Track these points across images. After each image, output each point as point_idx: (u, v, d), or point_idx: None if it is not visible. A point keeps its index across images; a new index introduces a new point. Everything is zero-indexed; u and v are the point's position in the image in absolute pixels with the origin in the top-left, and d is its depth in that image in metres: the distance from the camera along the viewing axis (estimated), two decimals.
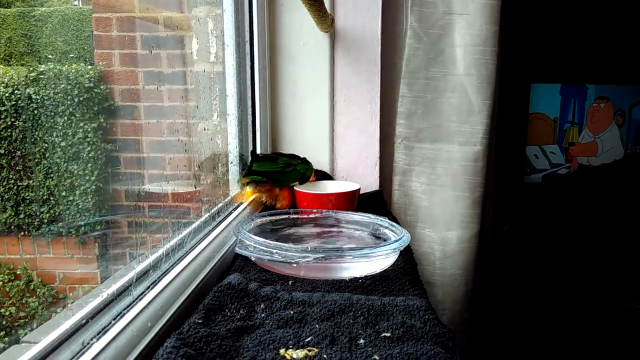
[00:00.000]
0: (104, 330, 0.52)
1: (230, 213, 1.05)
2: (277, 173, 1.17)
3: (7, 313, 1.76)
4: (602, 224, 2.22)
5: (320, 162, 1.39)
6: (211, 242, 0.85)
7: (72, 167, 1.83)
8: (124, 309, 0.57)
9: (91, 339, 0.50)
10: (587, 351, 2.04)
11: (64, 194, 1.85)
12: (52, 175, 1.86)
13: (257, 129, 1.30)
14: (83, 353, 0.48)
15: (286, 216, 1.02)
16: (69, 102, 1.81)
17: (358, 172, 1.37)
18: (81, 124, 1.81)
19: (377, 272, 0.79)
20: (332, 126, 1.39)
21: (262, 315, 0.64)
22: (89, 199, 1.84)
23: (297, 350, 0.54)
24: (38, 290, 1.88)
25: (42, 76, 1.79)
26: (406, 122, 1.39)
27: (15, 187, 1.88)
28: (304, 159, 1.27)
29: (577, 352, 2.05)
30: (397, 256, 0.82)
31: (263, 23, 1.29)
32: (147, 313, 0.57)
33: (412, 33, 1.34)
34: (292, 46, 1.35)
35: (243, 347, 0.56)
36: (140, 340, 0.54)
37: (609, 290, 2.21)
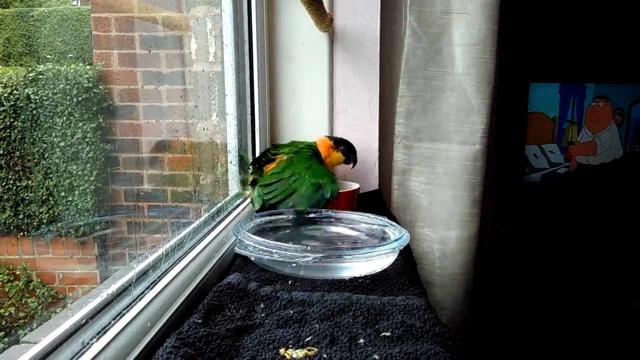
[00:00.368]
0: (103, 331, 0.52)
1: (230, 213, 1.05)
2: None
3: (6, 313, 1.76)
4: (601, 223, 2.23)
5: None
6: (211, 242, 0.85)
7: (71, 167, 1.83)
8: (124, 309, 0.57)
9: (91, 339, 0.50)
10: (586, 350, 2.04)
11: (63, 194, 1.85)
12: (51, 175, 1.86)
13: (256, 129, 1.30)
14: (83, 353, 0.48)
15: (285, 216, 1.02)
16: (67, 102, 1.80)
17: (357, 172, 1.37)
18: (80, 124, 1.81)
19: (377, 271, 0.79)
20: (332, 126, 1.39)
21: (262, 315, 0.64)
22: (88, 199, 1.84)
23: (297, 350, 0.54)
24: (37, 290, 1.88)
25: (40, 76, 1.78)
26: (405, 122, 1.39)
27: (14, 188, 1.87)
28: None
29: (576, 351, 2.05)
30: (396, 256, 0.82)
31: (262, 23, 1.29)
32: (146, 313, 0.57)
33: (411, 32, 1.34)
34: (291, 46, 1.35)
35: (243, 346, 0.56)
36: (140, 340, 0.54)
37: (608, 289, 2.22)
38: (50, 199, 1.89)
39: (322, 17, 1.15)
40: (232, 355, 0.54)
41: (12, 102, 1.79)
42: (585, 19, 2.13)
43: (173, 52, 1.53)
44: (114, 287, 0.59)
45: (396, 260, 0.83)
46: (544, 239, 2.24)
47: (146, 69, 1.69)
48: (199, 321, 0.59)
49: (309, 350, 0.55)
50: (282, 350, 0.54)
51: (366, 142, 1.40)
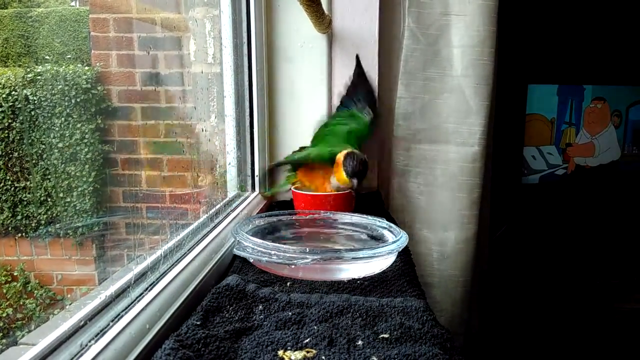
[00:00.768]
0: (102, 332, 0.52)
1: (229, 214, 1.05)
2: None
3: (4, 315, 1.76)
4: (599, 225, 2.23)
5: None
6: (209, 243, 0.85)
7: (70, 169, 1.83)
8: (122, 311, 0.57)
9: (89, 341, 0.50)
10: (583, 351, 2.04)
11: (61, 195, 1.85)
12: (49, 176, 1.86)
13: (254, 130, 1.30)
14: (81, 355, 0.48)
15: (284, 217, 1.02)
16: (66, 103, 1.80)
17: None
18: (78, 125, 1.81)
19: (375, 273, 0.79)
20: None
21: (261, 316, 0.64)
22: (87, 200, 1.84)
23: (296, 352, 0.54)
24: (35, 291, 1.88)
25: (39, 77, 1.78)
26: (404, 123, 1.39)
27: (13, 189, 1.87)
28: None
29: (574, 352, 2.05)
30: (395, 257, 0.82)
31: (260, 24, 1.29)
32: (145, 315, 0.57)
33: (410, 34, 1.34)
34: (290, 47, 1.35)
35: (241, 348, 0.56)
36: (139, 342, 0.54)
37: (606, 291, 2.22)
38: (49, 200, 1.89)
39: (321, 18, 1.15)
40: (231, 357, 0.54)
41: (11, 103, 1.79)
42: (583, 21, 2.14)
43: (172, 53, 1.53)
44: (112, 289, 0.59)
45: (395, 261, 0.83)
46: (543, 240, 2.24)
47: (145, 70, 1.69)
48: (198, 323, 0.59)
49: (308, 352, 0.55)
50: (280, 352, 0.54)
51: (364, 144, 1.40)
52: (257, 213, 1.18)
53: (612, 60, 2.19)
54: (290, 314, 0.63)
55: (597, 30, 2.15)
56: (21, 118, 1.80)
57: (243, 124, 1.28)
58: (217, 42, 1.23)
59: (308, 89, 1.37)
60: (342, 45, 1.37)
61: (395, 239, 0.82)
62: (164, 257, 0.72)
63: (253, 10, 1.25)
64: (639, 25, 2.14)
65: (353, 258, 0.76)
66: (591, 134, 2.29)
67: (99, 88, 1.79)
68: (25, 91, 1.76)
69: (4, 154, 1.84)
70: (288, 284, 0.76)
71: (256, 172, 1.31)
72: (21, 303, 1.84)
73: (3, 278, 1.88)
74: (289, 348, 0.55)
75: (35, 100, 1.77)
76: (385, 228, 0.93)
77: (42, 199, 1.89)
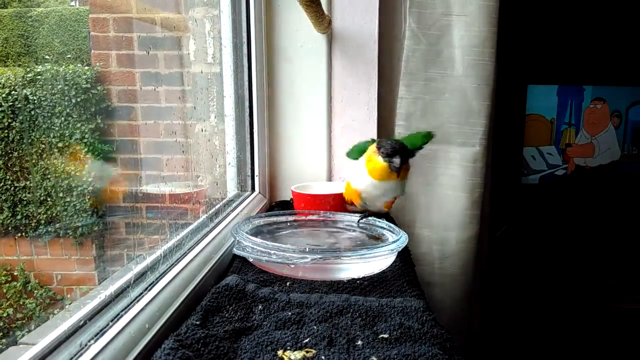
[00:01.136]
0: (101, 332, 0.52)
1: (228, 214, 1.05)
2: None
3: (4, 314, 1.76)
4: (599, 225, 2.23)
5: (317, 162, 1.39)
6: (209, 243, 0.85)
7: (70, 168, 1.83)
8: (122, 311, 0.57)
9: (89, 341, 0.50)
10: (583, 351, 2.04)
11: (61, 195, 1.85)
12: (49, 176, 1.85)
13: (254, 130, 1.30)
14: (81, 355, 0.48)
15: (284, 217, 1.02)
16: (66, 103, 1.80)
17: None
18: (78, 125, 1.81)
19: (375, 273, 0.80)
20: (330, 127, 1.39)
21: (260, 316, 0.64)
22: (86, 200, 1.84)
23: (295, 352, 0.54)
24: (35, 291, 1.88)
25: (39, 77, 1.78)
26: (405, 124, 1.39)
27: (12, 188, 1.87)
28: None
29: (574, 352, 2.05)
30: (394, 257, 0.82)
31: (260, 24, 1.29)
32: (144, 315, 0.57)
33: (411, 34, 1.34)
34: (290, 47, 1.35)
35: (241, 348, 0.56)
36: (138, 341, 0.54)
37: (605, 291, 2.22)
38: (48, 199, 1.88)
39: (321, 18, 1.15)
40: (230, 356, 0.54)
41: (11, 103, 1.79)
42: (583, 21, 2.14)
43: (171, 53, 1.53)
44: (112, 289, 0.59)
45: (394, 261, 0.83)
46: (542, 240, 2.25)
47: (144, 69, 1.69)
48: (197, 323, 0.59)
49: (307, 351, 0.55)
50: (280, 352, 0.54)
51: None
52: (257, 213, 1.18)
53: (611, 60, 2.19)
54: (289, 313, 0.63)
55: (596, 31, 2.15)
56: (21, 118, 1.80)
57: (243, 124, 1.28)
58: (216, 42, 1.23)
59: (308, 89, 1.37)
60: (341, 46, 1.37)
61: (395, 239, 0.82)
62: (163, 256, 0.72)
63: (253, 10, 1.25)
64: (638, 25, 2.14)
65: (353, 258, 0.76)
66: (591, 134, 2.29)
67: (98, 88, 1.79)
68: (25, 91, 1.76)
69: (3, 153, 1.84)
70: (288, 283, 0.76)
71: (256, 172, 1.31)
72: (21, 303, 1.84)
73: (3, 278, 1.88)
74: (288, 348, 0.55)
75: (35, 99, 1.77)
76: (385, 228, 0.93)
77: (41, 198, 1.89)
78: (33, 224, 1.91)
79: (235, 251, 0.80)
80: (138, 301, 0.60)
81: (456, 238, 1.40)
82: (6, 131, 1.81)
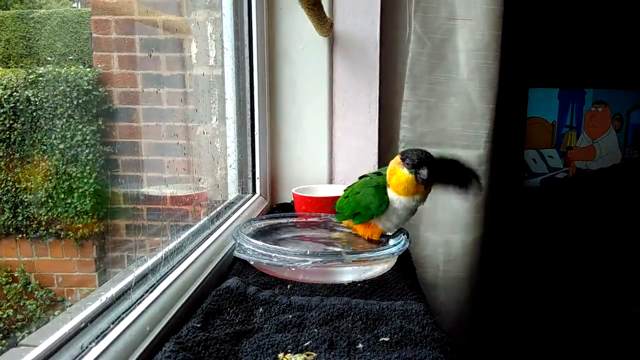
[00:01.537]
0: (102, 334, 0.52)
1: (229, 217, 1.05)
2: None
3: (4, 316, 1.76)
4: (601, 228, 2.23)
5: (318, 165, 1.39)
6: (210, 245, 0.85)
7: (71, 170, 1.83)
8: (123, 313, 0.57)
9: (90, 343, 0.50)
10: (589, 355, 2.04)
11: (62, 196, 1.85)
12: (50, 177, 1.86)
13: (255, 133, 1.30)
14: (82, 357, 0.48)
15: (285, 220, 1.02)
16: (67, 105, 1.81)
17: (356, 176, 1.37)
18: (80, 126, 1.81)
19: (376, 276, 0.79)
20: (331, 130, 1.39)
21: (261, 319, 0.64)
22: (87, 202, 1.84)
23: (296, 355, 0.54)
24: (36, 292, 1.88)
25: (40, 78, 1.79)
26: (410, 127, 1.39)
27: (14, 190, 1.87)
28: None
29: (579, 355, 2.05)
30: (395, 260, 0.82)
31: (262, 27, 1.29)
32: (145, 317, 0.57)
33: (416, 38, 1.35)
34: (291, 50, 1.35)
35: (241, 351, 0.56)
36: (139, 344, 0.54)
37: (608, 294, 2.22)
38: (50, 201, 1.89)
39: (322, 21, 1.15)
40: (231, 359, 0.54)
41: (12, 104, 1.79)
42: (584, 24, 2.14)
43: (173, 55, 1.53)
44: (113, 291, 0.59)
45: (395, 265, 0.83)
46: (544, 243, 2.24)
47: (146, 71, 1.69)
48: (198, 325, 0.59)
49: (308, 355, 0.55)
50: (280, 355, 0.54)
51: (365, 146, 1.40)
52: (258, 215, 1.18)
53: (613, 64, 2.19)
54: (290, 316, 0.63)
55: (598, 34, 2.15)
56: (23, 119, 1.81)
57: (244, 126, 1.28)
58: (218, 45, 1.24)
59: (309, 91, 1.37)
60: (343, 49, 1.37)
61: (396, 242, 0.82)
62: (164, 259, 0.72)
63: (255, 13, 1.25)
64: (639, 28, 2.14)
65: (354, 261, 0.76)
66: (592, 137, 2.29)
67: (100, 89, 1.79)
68: (26, 92, 1.76)
69: (5, 155, 1.84)
70: (288, 286, 0.76)
71: (257, 175, 1.32)
72: (21, 304, 1.84)
73: (4, 279, 1.88)
74: (289, 351, 0.55)
75: (36, 101, 1.78)
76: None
77: (43, 200, 1.89)
78: (34, 225, 1.92)
79: (236, 254, 0.80)
80: (139, 303, 0.60)
81: (461, 241, 1.40)
82: (8, 132, 1.82)
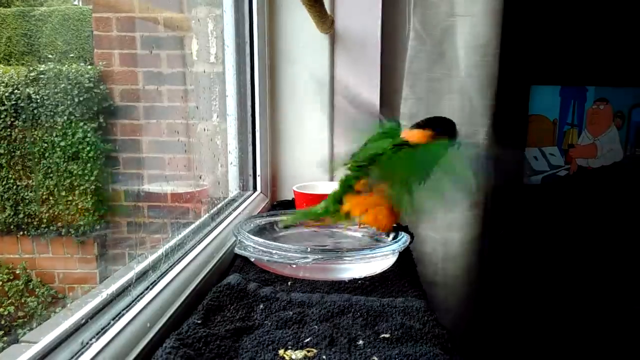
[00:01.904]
0: (103, 331, 0.52)
1: (230, 214, 1.05)
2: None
3: (5, 312, 1.76)
4: (602, 226, 2.23)
5: (319, 162, 1.39)
6: (210, 242, 0.85)
7: (72, 167, 1.83)
8: (123, 309, 0.57)
9: (90, 339, 0.50)
10: (589, 353, 2.04)
11: (63, 193, 1.85)
12: (51, 175, 1.86)
13: (256, 130, 1.30)
14: (82, 353, 0.48)
15: (285, 217, 1.02)
16: (68, 102, 1.81)
17: None
18: (81, 124, 1.81)
19: (377, 273, 0.79)
20: (332, 127, 1.39)
21: (261, 315, 0.64)
22: (88, 199, 1.84)
23: (296, 351, 0.54)
24: (37, 289, 1.88)
25: (42, 76, 1.79)
26: (409, 124, 1.38)
27: (15, 187, 1.88)
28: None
29: (579, 354, 2.05)
30: (396, 257, 0.82)
31: (263, 24, 1.29)
32: (146, 313, 0.57)
33: (415, 35, 1.34)
34: (292, 47, 1.35)
35: (242, 347, 0.56)
36: (140, 340, 0.54)
37: (611, 293, 2.22)
38: (51, 198, 1.89)
39: (324, 18, 1.15)
40: (232, 356, 0.54)
41: (14, 102, 1.79)
42: (586, 22, 2.13)
43: (174, 52, 1.53)
44: (113, 287, 0.59)
45: (396, 262, 0.83)
46: (545, 241, 2.24)
47: (147, 69, 1.69)
48: (199, 322, 0.59)
49: (308, 351, 0.55)
50: (281, 351, 0.54)
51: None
52: (259, 213, 1.18)
53: (615, 61, 2.18)
54: (291, 313, 0.63)
55: (600, 31, 2.14)
56: (24, 116, 1.81)
57: (245, 123, 1.28)
58: (219, 42, 1.23)
59: (310, 89, 1.37)
60: (344, 46, 1.37)
61: (397, 239, 0.82)
62: (165, 255, 0.72)
63: (256, 9, 1.25)
64: None
65: (354, 258, 0.76)
66: (593, 135, 2.28)
67: (101, 87, 1.79)
68: (28, 90, 1.76)
69: (6, 152, 1.84)
70: (289, 283, 0.76)
71: (257, 172, 1.31)
72: (23, 301, 1.84)
73: (5, 276, 1.88)
74: (289, 347, 0.55)
75: (37, 98, 1.78)
76: None
77: (44, 197, 1.89)
78: (35, 223, 1.92)
79: (237, 251, 0.80)
80: (139, 300, 0.60)
81: (460, 239, 1.40)
82: (9, 130, 1.82)
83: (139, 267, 0.65)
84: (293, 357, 0.53)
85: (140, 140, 1.73)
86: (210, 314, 0.63)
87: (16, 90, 1.78)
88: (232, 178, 1.25)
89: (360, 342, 0.57)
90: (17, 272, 1.90)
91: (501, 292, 2.05)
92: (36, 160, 1.85)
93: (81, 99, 1.78)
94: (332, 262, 0.76)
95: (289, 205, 1.31)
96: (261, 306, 0.66)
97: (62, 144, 1.80)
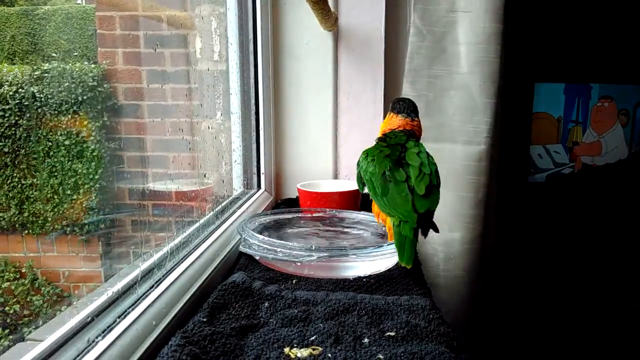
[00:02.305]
0: (109, 329, 0.52)
1: (235, 212, 1.05)
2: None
3: (11, 311, 1.77)
4: (607, 224, 2.22)
5: (323, 160, 1.39)
6: (215, 240, 0.85)
7: (76, 166, 1.84)
8: (129, 307, 0.57)
9: (96, 337, 0.50)
10: (592, 351, 2.03)
11: (68, 192, 1.86)
12: (56, 173, 1.86)
13: (260, 128, 1.30)
14: (88, 351, 0.48)
15: (290, 215, 1.02)
16: (72, 101, 1.81)
17: None
18: (85, 123, 1.82)
19: (381, 271, 0.79)
20: (336, 125, 1.39)
21: (266, 313, 0.64)
22: (93, 198, 1.85)
23: (302, 349, 0.54)
24: (43, 288, 1.89)
25: (46, 75, 1.79)
26: None
27: (19, 186, 1.88)
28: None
29: (582, 353, 2.05)
30: None
31: (267, 21, 1.29)
32: (151, 311, 0.58)
33: (415, 31, 1.33)
34: (296, 44, 1.35)
35: (247, 345, 0.56)
36: (145, 338, 0.54)
37: (613, 290, 2.21)
38: (55, 197, 1.89)
39: (327, 16, 1.15)
40: (237, 353, 0.54)
41: (18, 101, 1.80)
42: (590, 19, 2.12)
43: (178, 50, 1.53)
44: (119, 286, 0.59)
45: None
46: (549, 239, 2.23)
47: (151, 67, 1.69)
48: (204, 320, 0.59)
49: (314, 349, 0.55)
50: (286, 350, 0.54)
51: (370, 142, 1.39)
52: (263, 211, 1.18)
53: (619, 58, 2.17)
54: (296, 311, 0.63)
55: (604, 29, 2.13)
56: (28, 115, 1.81)
57: (249, 121, 1.28)
58: (223, 40, 1.23)
59: (314, 86, 1.37)
60: (348, 43, 1.37)
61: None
62: (170, 254, 0.72)
63: (259, 7, 1.25)
64: None
65: (359, 256, 0.76)
66: (598, 132, 2.27)
67: (105, 85, 1.80)
68: (32, 88, 1.77)
69: (11, 151, 1.85)
70: (294, 281, 0.76)
71: (262, 170, 1.31)
72: (28, 300, 1.85)
73: (12, 275, 1.89)
74: (294, 345, 0.55)
75: (42, 97, 1.78)
76: None
77: (48, 196, 1.89)
78: (40, 222, 1.92)
79: (242, 249, 0.80)
80: (145, 298, 0.60)
81: (461, 239, 1.39)
82: (13, 129, 1.82)
83: (144, 265, 0.65)
84: (298, 355, 0.53)
85: (144, 138, 1.73)
86: (215, 312, 0.63)
87: (20, 89, 1.79)
88: (236, 176, 1.25)
89: (366, 340, 0.57)
90: (24, 270, 1.91)
91: (506, 291, 2.04)
92: (41, 159, 1.86)
93: (85, 97, 1.78)
94: (336, 260, 0.76)
95: (293, 203, 1.31)
96: (266, 304, 0.66)
97: (67, 142, 1.80)
